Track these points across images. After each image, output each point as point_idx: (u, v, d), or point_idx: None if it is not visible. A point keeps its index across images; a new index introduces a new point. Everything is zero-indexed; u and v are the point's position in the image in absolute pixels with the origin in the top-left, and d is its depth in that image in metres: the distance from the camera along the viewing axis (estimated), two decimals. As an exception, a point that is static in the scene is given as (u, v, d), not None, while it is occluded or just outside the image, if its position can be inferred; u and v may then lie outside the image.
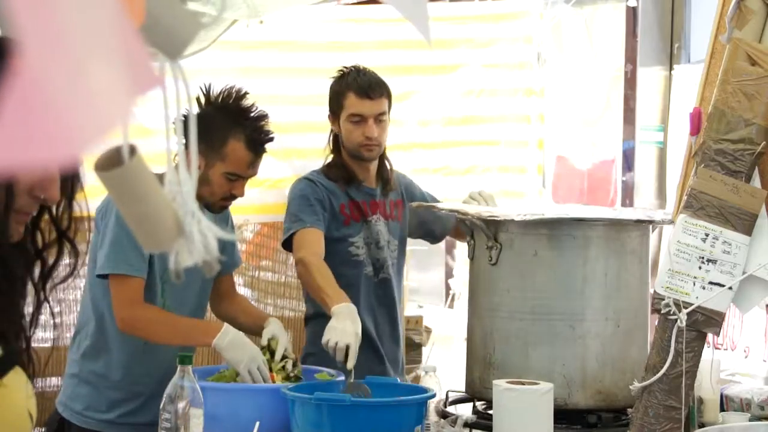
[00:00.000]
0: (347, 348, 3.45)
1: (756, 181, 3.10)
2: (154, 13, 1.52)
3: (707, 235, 3.07)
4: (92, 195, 4.29)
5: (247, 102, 3.69)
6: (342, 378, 3.46)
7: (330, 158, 4.05)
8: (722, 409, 3.56)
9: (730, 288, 3.06)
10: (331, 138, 4.05)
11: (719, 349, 4.42)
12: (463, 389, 3.68)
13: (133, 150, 1.53)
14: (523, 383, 3.21)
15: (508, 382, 3.21)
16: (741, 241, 3.06)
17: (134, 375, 3.58)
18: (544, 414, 3.16)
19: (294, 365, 3.53)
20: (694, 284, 3.06)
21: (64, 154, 1.00)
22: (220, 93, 3.69)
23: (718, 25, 3.26)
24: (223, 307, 3.89)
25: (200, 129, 4.02)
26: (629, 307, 3.53)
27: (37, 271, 1.77)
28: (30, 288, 1.76)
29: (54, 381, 4.20)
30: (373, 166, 4.05)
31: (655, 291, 3.12)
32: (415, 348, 5.30)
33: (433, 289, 7.08)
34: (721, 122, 3.08)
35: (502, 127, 5.23)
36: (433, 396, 3.35)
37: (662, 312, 3.05)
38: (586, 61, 5.73)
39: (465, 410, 3.59)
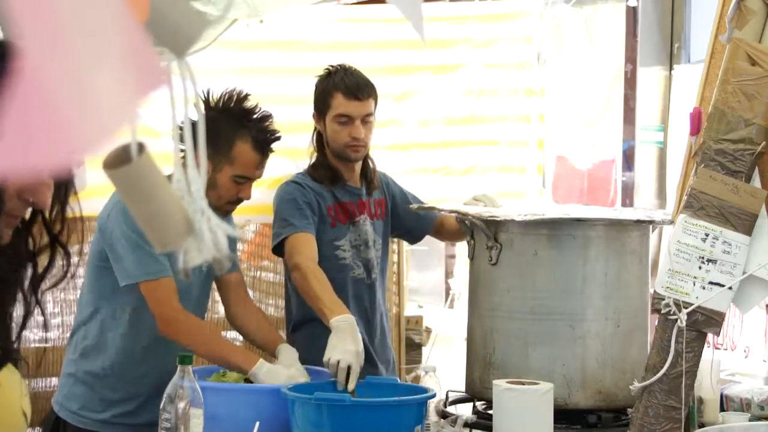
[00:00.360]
0: (348, 368, 3.41)
1: (756, 181, 3.10)
2: (160, 10, 1.52)
3: (707, 235, 3.07)
4: (93, 195, 4.30)
5: (249, 103, 3.70)
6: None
7: (314, 158, 4.03)
8: (722, 409, 3.57)
9: (730, 288, 3.06)
10: (315, 137, 4.02)
11: (719, 349, 4.42)
12: (463, 389, 3.68)
13: (141, 148, 1.53)
14: (523, 383, 3.21)
15: (508, 382, 3.21)
16: (741, 241, 3.06)
17: (131, 376, 3.58)
18: (544, 414, 3.16)
19: None
20: (694, 284, 3.06)
21: (67, 157, 0.99)
22: (220, 97, 3.69)
23: (718, 25, 3.26)
24: (235, 313, 3.86)
25: (206, 133, 4.02)
26: (629, 307, 3.53)
27: (29, 275, 1.77)
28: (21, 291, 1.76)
29: (51, 381, 4.20)
30: (358, 165, 4.03)
31: (655, 291, 3.12)
32: (415, 348, 5.30)
33: (433, 289, 7.08)
34: (721, 122, 3.08)
35: (502, 127, 5.23)
36: (433, 396, 3.35)
37: (662, 312, 3.05)
38: (586, 61, 5.73)
39: (465, 410, 3.59)
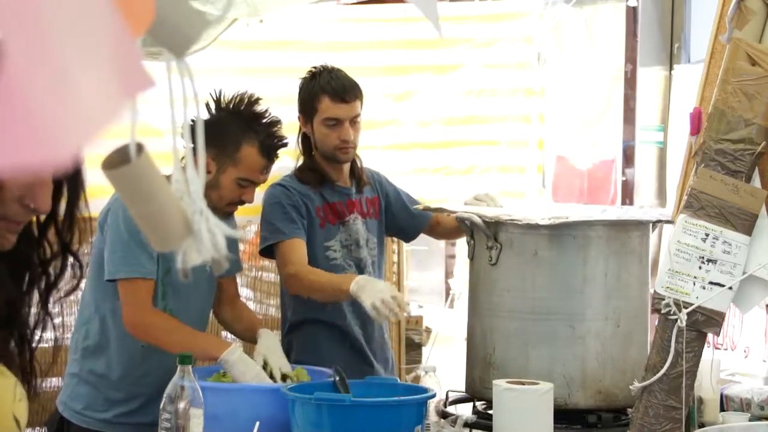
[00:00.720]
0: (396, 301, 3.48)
1: (756, 181, 3.10)
2: (160, 10, 1.52)
3: (707, 235, 3.07)
4: (93, 195, 4.29)
5: (260, 107, 3.70)
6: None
7: (300, 161, 4.00)
8: (722, 409, 3.56)
9: (730, 288, 3.06)
10: (301, 139, 4.01)
11: (719, 349, 4.42)
12: (463, 389, 3.68)
13: (140, 148, 1.53)
14: (523, 383, 3.21)
15: (508, 382, 3.21)
16: (741, 241, 3.06)
17: (134, 375, 3.58)
18: (544, 414, 3.16)
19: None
20: (694, 284, 3.06)
21: (50, 158, 0.99)
22: (232, 99, 3.69)
23: (718, 25, 3.26)
24: (223, 312, 3.89)
25: (213, 134, 4.05)
26: (629, 307, 3.53)
27: (41, 284, 1.76)
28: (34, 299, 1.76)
29: (54, 381, 4.20)
30: (346, 165, 4.01)
31: (655, 291, 3.12)
32: (415, 348, 5.30)
33: (433, 289, 7.08)
34: (721, 122, 3.08)
35: (502, 127, 5.23)
36: (433, 396, 3.35)
37: (662, 312, 3.05)
38: (586, 61, 5.73)
39: (465, 410, 3.58)
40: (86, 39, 1.06)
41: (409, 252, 5.90)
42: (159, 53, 1.60)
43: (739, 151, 3.07)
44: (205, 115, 3.68)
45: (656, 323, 3.13)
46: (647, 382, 3.06)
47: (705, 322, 3.06)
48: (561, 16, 5.58)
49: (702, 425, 3.36)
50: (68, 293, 1.81)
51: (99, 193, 3.89)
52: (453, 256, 6.72)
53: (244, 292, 4.63)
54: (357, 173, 4.04)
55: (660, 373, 3.03)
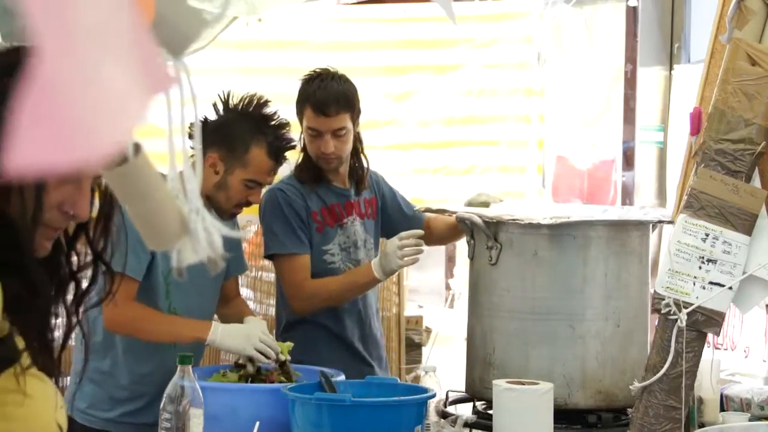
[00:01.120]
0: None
1: (756, 181, 3.10)
2: (159, 10, 1.52)
3: (707, 235, 3.07)
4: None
5: (269, 109, 3.70)
6: (342, 377, 3.46)
7: (300, 158, 3.98)
8: (722, 409, 3.56)
9: (730, 288, 3.06)
10: (301, 138, 3.98)
11: (719, 349, 4.42)
12: (463, 389, 3.67)
13: (137, 148, 1.53)
14: (523, 383, 3.21)
15: (508, 382, 3.21)
16: (741, 241, 3.06)
17: (139, 374, 3.58)
18: (544, 414, 3.16)
19: (284, 365, 3.53)
20: (694, 284, 3.06)
21: (82, 156, 1.01)
22: (240, 100, 3.69)
23: (718, 25, 3.26)
24: (223, 309, 3.90)
25: (222, 135, 4.05)
26: (629, 307, 3.53)
27: (71, 292, 1.76)
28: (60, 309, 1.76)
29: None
30: (344, 167, 3.99)
31: (655, 291, 3.12)
32: (415, 348, 5.30)
33: (433, 289, 7.07)
34: (722, 122, 3.08)
35: (502, 127, 5.23)
36: (433, 396, 3.35)
37: (662, 312, 3.05)
38: (586, 61, 5.73)
39: (465, 410, 3.58)
40: (112, 39, 1.08)
41: (409, 252, 5.88)
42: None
43: (739, 151, 3.07)
44: (213, 116, 3.69)
45: (656, 323, 3.13)
46: (647, 382, 3.06)
47: (705, 322, 3.06)
48: (561, 16, 5.58)
49: (702, 425, 3.36)
50: (97, 303, 1.82)
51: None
52: (453, 257, 6.71)
53: (244, 292, 4.63)
54: (358, 175, 4.03)
55: (660, 373, 3.03)
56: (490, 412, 3.39)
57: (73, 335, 4.08)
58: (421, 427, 3.12)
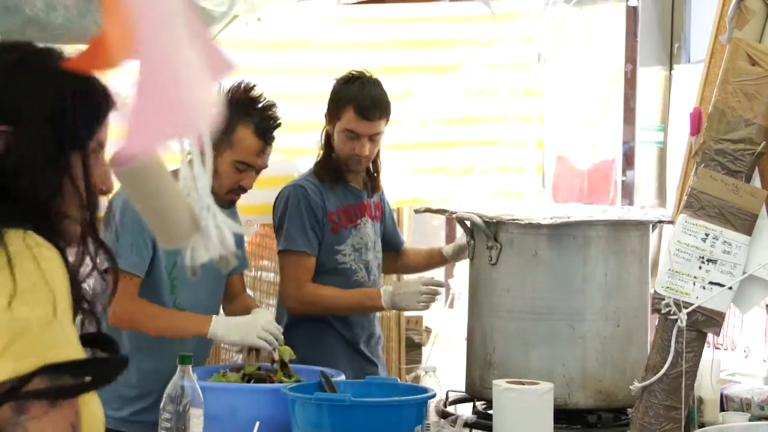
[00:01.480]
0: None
1: (756, 181, 3.10)
2: None
3: (707, 235, 3.07)
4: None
5: (255, 93, 3.72)
6: (342, 377, 3.46)
7: (320, 156, 4.03)
8: (722, 409, 3.56)
9: (730, 288, 3.06)
10: (324, 136, 4.02)
11: (719, 349, 4.42)
12: (463, 389, 3.68)
13: None
14: (523, 383, 3.21)
15: (508, 382, 3.21)
16: (741, 241, 3.06)
17: (147, 371, 3.58)
18: (544, 414, 3.16)
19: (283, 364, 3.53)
20: (694, 284, 3.06)
21: (186, 132, 1.36)
22: (229, 90, 3.71)
23: (718, 25, 3.26)
24: (230, 306, 3.90)
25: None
26: (629, 307, 3.52)
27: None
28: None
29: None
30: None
31: (655, 291, 3.12)
32: (415, 348, 5.30)
33: (433, 289, 7.07)
34: (722, 122, 3.08)
35: (502, 127, 5.23)
36: (433, 396, 3.35)
37: (662, 312, 3.05)
38: (586, 61, 5.73)
39: (465, 410, 3.58)
40: (187, 29, 1.33)
41: (409, 252, 5.88)
42: None
43: (739, 151, 3.07)
44: None
45: (656, 323, 3.13)
46: (647, 382, 3.06)
47: (705, 322, 3.06)
48: (561, 16, 5.58)
49: (702, 425, 3.36)
50: (110, 298, 1.84)
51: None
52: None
53: (244, 293, 4.62)
54: (374, 178, 4.09)
55: (660, 373, 3.03)
56: (490, 412, 3.39)
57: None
58: (421, 427, 3.12)
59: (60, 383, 1.56)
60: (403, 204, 5.20)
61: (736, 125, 3.07)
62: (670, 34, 5.40)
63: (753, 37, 3.11)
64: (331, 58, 4.78)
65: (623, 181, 5.59)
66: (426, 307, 3.94)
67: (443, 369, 3.87)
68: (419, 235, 6.73)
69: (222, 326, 3.51)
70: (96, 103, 1.71)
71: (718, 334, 3.22)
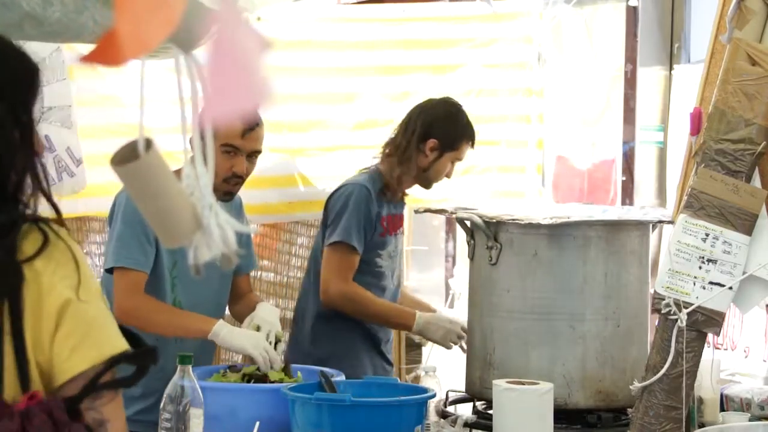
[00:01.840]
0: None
1: (756, 181, 3.10)
2: None
3: (707, 235, 3.07)
4: (93, 194, 4.28)
5: None
6: (342, 377, 3.46)
7: (396, 170, 4.07)
8: (722, 409, 3.56)
9: (731, 288, 3.06)
10: (405, 149, 4.08)
11: (719, 349, 4.42)
12: (463, 389, 3.68)
13: (149, 144, 1.53)
14: (523, 383, 3.21)
15: (508, 382, 3.21)
16: (741, 241, 3.06)
17: (150, 371, 3.57)
18: (544, 414, 3.16)
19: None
20: (694, 284, 3.06)
21: (255, 105, 1.57)
22: None
23: (718, 25, 3.26)
24: (236, 307, 3.89)
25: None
26: (629, 307, 3.53)
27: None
28: None
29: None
30: None
31: (655, 291, 3.12)
32: (415, 348, 5.30)
33: (433, 289, 7.06)
34: (722, 122, 3.08)
35: (501, 127, 5.23)
36: (433, 396, 3.35)
37: (662, 312, 3.05)
38: (586, 61, 5.72)
39: (465, 410, 3.59)
40: (237, 9, 1.55)
41: (410, 252, 5.91)
42: (168, 49, 1.60)
43: (739, 151, 3.07)
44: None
45: (656, 323, 3.13)
46: (647, 382, 3.06)
47: (705, 322, 3.06)
48: (561, 16, 5.58)
49: (702, 425, 3.36)
50: None
51: (98, 192, 3.90)
52: (453, 257, 6.71)
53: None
54: (404, 192, 4.20)
55: (660, 373, 3.03)
56: (490, 412, 3.39)
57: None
58: (421, 427, 3.12)
59: (122, 373, 1.75)
60: (403, 204, 5.19)
61: (736, 125, 3.07)
62: (670, 34, 5.40)
63: (753, 37, 3.11)
64: (331, 58, 4.78)
65: (623, 181, 5.59)
66: (450, 348, 4.05)
67: (443, 369, 3.87)
68: (419, 235, 6.73)
69: (226, 331, 3.49)
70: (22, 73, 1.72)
71: (718, 334, 3.22)
